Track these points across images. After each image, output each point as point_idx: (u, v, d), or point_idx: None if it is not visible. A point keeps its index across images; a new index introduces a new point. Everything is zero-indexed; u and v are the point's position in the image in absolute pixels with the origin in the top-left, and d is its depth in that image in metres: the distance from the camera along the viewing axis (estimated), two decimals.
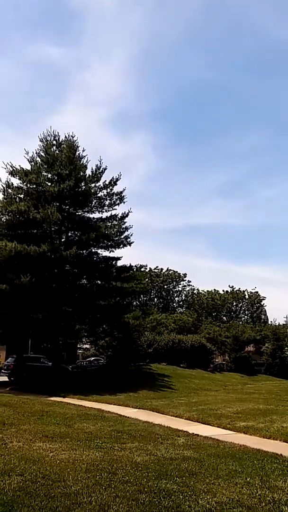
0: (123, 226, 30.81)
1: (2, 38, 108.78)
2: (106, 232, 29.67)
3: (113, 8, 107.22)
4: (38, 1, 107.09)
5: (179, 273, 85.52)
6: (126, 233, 30.80)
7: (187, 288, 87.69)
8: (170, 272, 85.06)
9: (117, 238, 30.75)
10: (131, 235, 30.98)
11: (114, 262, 31.84)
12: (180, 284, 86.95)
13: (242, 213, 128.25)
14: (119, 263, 31.94)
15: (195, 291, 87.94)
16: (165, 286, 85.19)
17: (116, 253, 31.67)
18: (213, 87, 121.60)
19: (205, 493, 6.04)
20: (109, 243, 30.83)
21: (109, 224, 30.60)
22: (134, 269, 32.63)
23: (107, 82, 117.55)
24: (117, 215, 31.17)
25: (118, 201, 31.00)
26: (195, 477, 6.84)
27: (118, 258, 31.83)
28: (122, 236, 30.84)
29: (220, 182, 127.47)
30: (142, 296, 72.35)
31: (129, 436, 10.36)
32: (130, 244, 31.03)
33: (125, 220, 31.05)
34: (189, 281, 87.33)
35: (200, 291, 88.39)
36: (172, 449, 9.00)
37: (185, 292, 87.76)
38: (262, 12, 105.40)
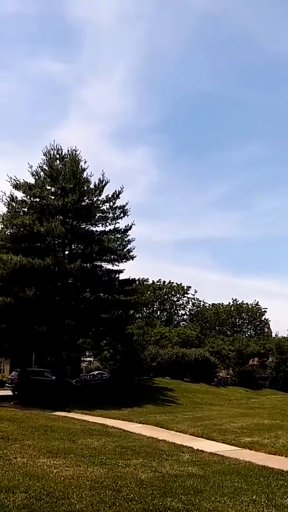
0: (126, 239, 30.93)
1: (3, 54, 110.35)
2: (109, 245, 29.77)
3: (113, 23, 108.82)
4: (39, 16, 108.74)
5: (183, 286, 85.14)
6: (129, 246, 30.95)
7: (192, 301, 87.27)
8: (173, 285, 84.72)
9: (120, 252, 30.84)
10: (134, 249, 31.13)
11: (117, 275, 31.89)
12: (184, 297, 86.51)
13: (245, 225, 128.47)
14: (122, 276, 32.06)
15: (200, 304, 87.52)
16: (169, 299, 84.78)
17: (119, 266, 31.77)
18: (213, 99, 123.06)
19: None
20: (113, 257, 30.90)
21: (112, 237, 30.67)
22: (137, 282, 32.58)
23: (108, 96, 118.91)
24: (120, 228, 31.33)
25: (121, 215, 31.18)
26: (200, 495, 6.77)
27: (121, 271, 31.90)
28: (125, 250, 30.94)
29: (222, 193, 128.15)
30: (145, 309, 72.12)
31: (133, 452, 10.28)
32: (132, 258, 31.14)
33: (128, 233, 31.20)
34: (195, 291, 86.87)
35: (205, 304, 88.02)
36: (177, 465, 8.92)
37: (189, 306, 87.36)
38: (262, 26, 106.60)
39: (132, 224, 31.19)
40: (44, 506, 5.98)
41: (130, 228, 31.15)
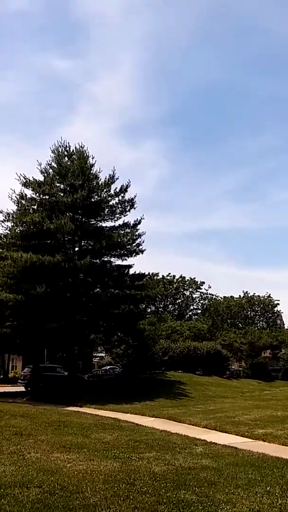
0: (136, 233, 30.91)
1: (11, 51, 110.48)
2: (119, 240, 29.78)
3: (119, 16, 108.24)
4: (45, 12, 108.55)
5: (196, 281, 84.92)
6: (138, 240, 30.96)
7: (204, 295, 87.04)
8: (186, 279, 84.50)
9: (129, 247, 30.85)
10: (143, 242, 31.14)
11: (127, 271, 31.89)
12: (197, 292, 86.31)
13: (256, 216, 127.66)
14: (132, 271, 32.09)
15: (212, 298, 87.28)
16: (181, 293, 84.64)
17: (129, 261, 31.87)
18: (223, 89, 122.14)
19: (225, 504, 5.96)
20: (122, 252, 30.94)
21: (122, 232, 30.69)
22: (148, 277, 32.57)
23: (115, 90, 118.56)
24: (129, 223, 31.35)
25: (129, 208, 31.19)
26: (214, 487, 6.75)
27: (131, 266, 31.93)
28: (134, 244, 30.94)
29: (232, 185, 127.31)
30: (156, 303, 72.13)
31: (146, 446, 10.29)
32: (142, 252, 31.16)
33: (137, 227, 31.20)
34: (209, 286, 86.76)
35: (216, 298, 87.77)
36: (190, 458, 8.92)
37: (202, 300, 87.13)
38: (272, 14, 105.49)
39: (141, 218, 31.32)
40: (58, 500, 6.00)
41: (139, 223, 31.23)
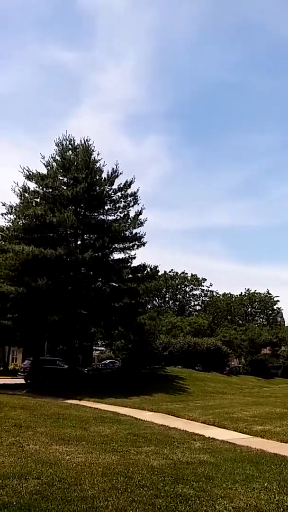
0: (136, 224, 30.83)
1: (16, 42, 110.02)
2: (121, 234, 29.75)
3: (125, 9, 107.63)
4: (50, 4, 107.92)
5: (198, 278, 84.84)
6: (140, 233, 30.91)
7: (205, 292, 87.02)
8: (188, 276, 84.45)
9: (130, 238, 30.77)
10: (145, 235, 31.07)
11: (128, 263, 31.85)
12: (198, 288, 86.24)
13: (258, 213, 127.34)
14: (133, 264, 32.01)
15: (213, 294, 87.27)
16: (181, 289, 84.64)
17: (131, 253, 31.74)
18: (227, 86, 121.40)
19: (222, 498, 5.97)
20: (124, 245, 30.88)
21: (123, 224, 30.62)
22: (148, 269, 32.50)
23: (121, 83, 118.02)
24: (130, 214, 31.32)
25: (132, 203, 31.15)
26: (212, 482, 6.77)
27: (133, 257, 31.84)
28: (136, 236, 30.86)
29: (234, 182, 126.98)
30: (157, 299, 72.15)
31: (145, 440, 10.32)
32: (143, 244, 31.06)
33: (139, 218, 31.08)
34: (211, 284, 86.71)
35: (216, 294, 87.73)
36: (189, 453, 8.94)
37: (202, 296, 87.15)
38: (278, 11, 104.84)
39: (142, 208, 31.14)
40: (56, 492, 6.02)
41: (140, 213, 31.07)
